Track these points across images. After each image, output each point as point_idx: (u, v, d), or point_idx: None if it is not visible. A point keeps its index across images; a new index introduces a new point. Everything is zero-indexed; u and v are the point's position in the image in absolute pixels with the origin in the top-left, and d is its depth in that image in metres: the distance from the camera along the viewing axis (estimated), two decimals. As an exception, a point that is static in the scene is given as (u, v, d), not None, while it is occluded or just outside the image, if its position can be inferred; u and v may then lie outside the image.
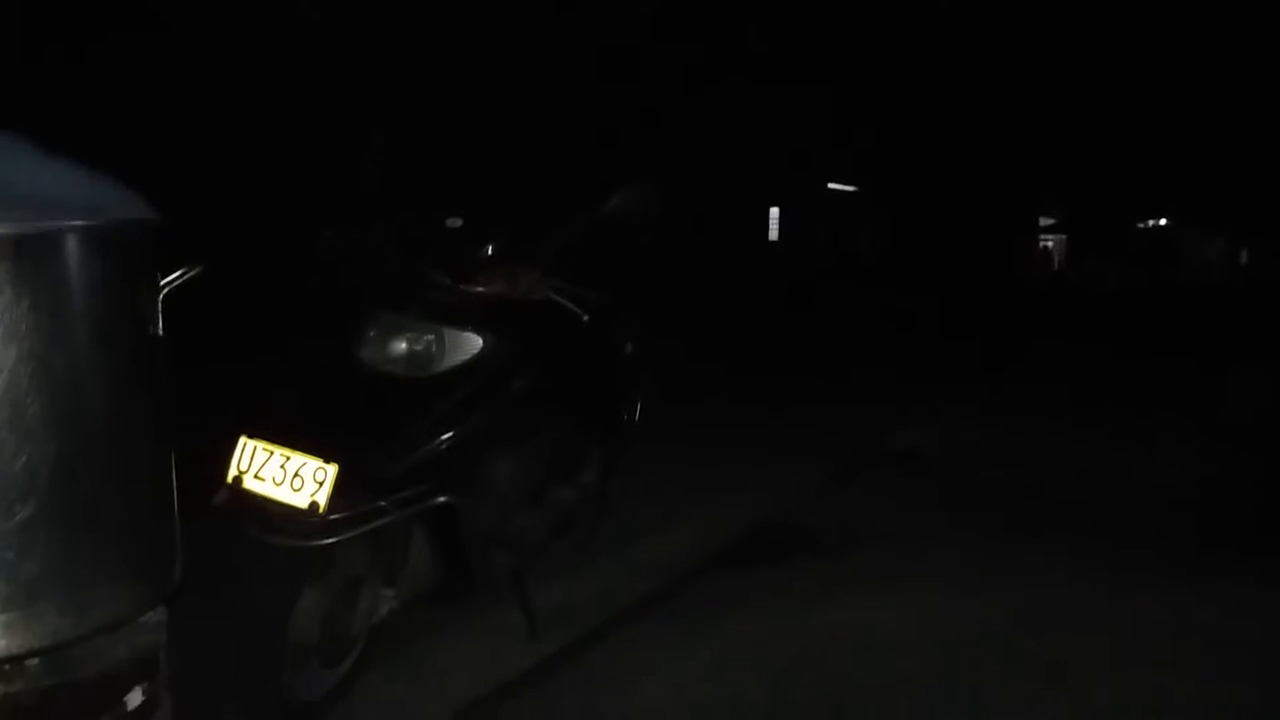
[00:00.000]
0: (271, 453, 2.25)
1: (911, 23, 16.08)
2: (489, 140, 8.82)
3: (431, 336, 2.56)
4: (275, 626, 2.20)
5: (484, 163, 8.32)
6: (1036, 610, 3.11)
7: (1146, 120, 20.19)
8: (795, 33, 14.15)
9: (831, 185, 20.83)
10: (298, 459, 2.21)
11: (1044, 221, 29.43)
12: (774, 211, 19.50)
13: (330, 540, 2.19)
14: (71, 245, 1.26)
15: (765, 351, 8.36)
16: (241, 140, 7.12)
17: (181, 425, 1.51)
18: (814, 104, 15.33)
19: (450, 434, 2.47)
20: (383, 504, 2.29)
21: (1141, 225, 29.94)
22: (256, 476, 2.24)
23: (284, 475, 2.21)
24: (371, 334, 2.58)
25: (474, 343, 2.60)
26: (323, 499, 2.16)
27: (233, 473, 2.27)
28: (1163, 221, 29.80)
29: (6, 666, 1.24)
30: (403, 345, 2.55)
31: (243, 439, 2.29)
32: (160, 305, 1.45)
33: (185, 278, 1.50)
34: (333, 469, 2.18)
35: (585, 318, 2.87)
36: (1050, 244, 31.08)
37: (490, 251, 2.83)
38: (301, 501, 2.18)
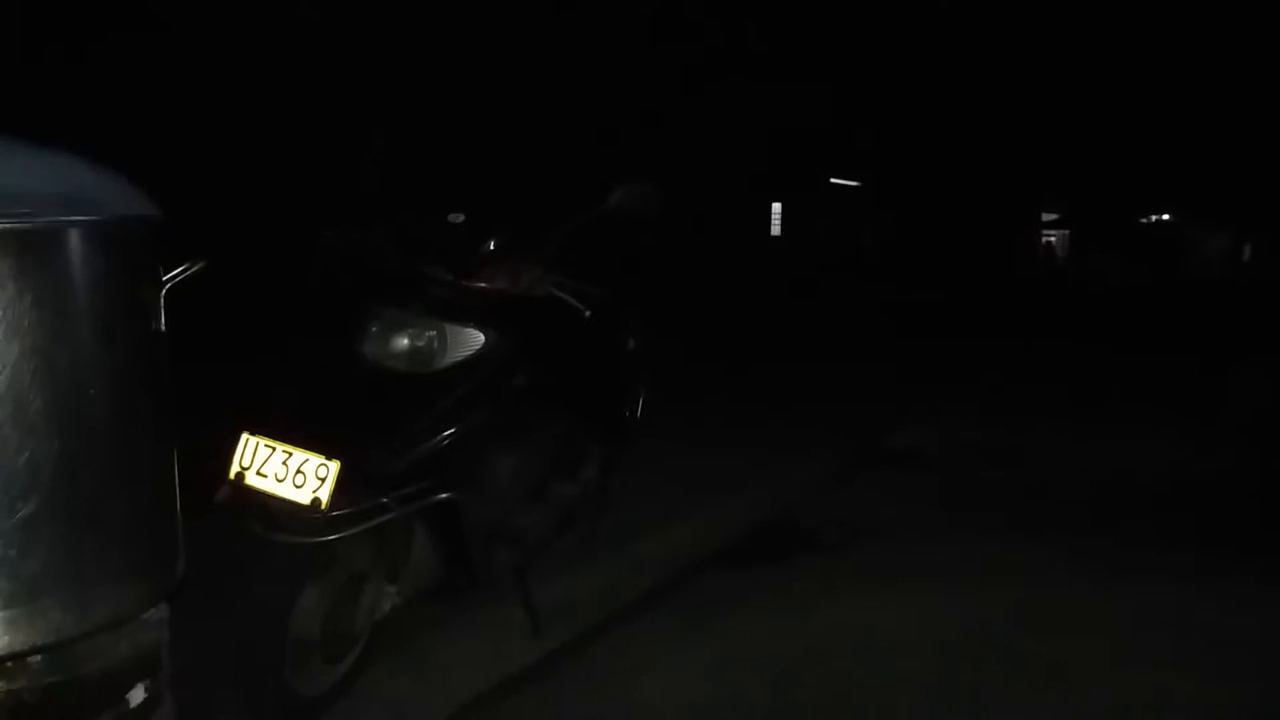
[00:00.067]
0: (274, 449, 2.25)
1: (913, 19, 16.05)
2: (490, 137, 8.81)
3: (433, 332, 2.56)
4: (277, 623, 2.20)
5: (486, 159, 8.31)
6: (1037, 609, 3.11)
7: (1149, 114, 20.15)
8: (797, 29, 14.12)
9: (834, 180, 20.81)
10: (300, 455, 2.21)
11: (1046, 216, 29.40)
12: (776, 207, 19.49)
13: (332, 537, 2.19)
14: (74, 241, 1.26)
15: (766, 348, 8.35)
16: (243, 138, 7.12)
17: (183, 422, 1.51)
18: (816, 100, 15.31)
19: (452, 430, 2.47)
20: (385, 500, 2.29)
21: (1144, 220, 29.89)
22: (259, 473, 2.24)
23: (286, 472, 2.21)
24: (373, 330, 2.57)
25: (476, 339, 2.59)
26: (325, 495, 2.16)
27: (235, 469, 2.27)
28: (1166, 217, 29.75)
29: (9, 664, 1.24)
30: (404, 341, 2.55)
31: (245, 435, 2.29)
32: (162, 301, 1.45)
33: (187, 273, 1.50)
34: (335, 465, 2.18)
35: (587, 314, 2.86)
36: (1053, 239, 31.05)
37: (492, 247, 2.82)
38: (304, 498, 2.18)
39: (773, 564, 3.51)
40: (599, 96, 10.52)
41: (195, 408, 1.80)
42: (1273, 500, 4.40)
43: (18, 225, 1.19)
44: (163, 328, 1.44)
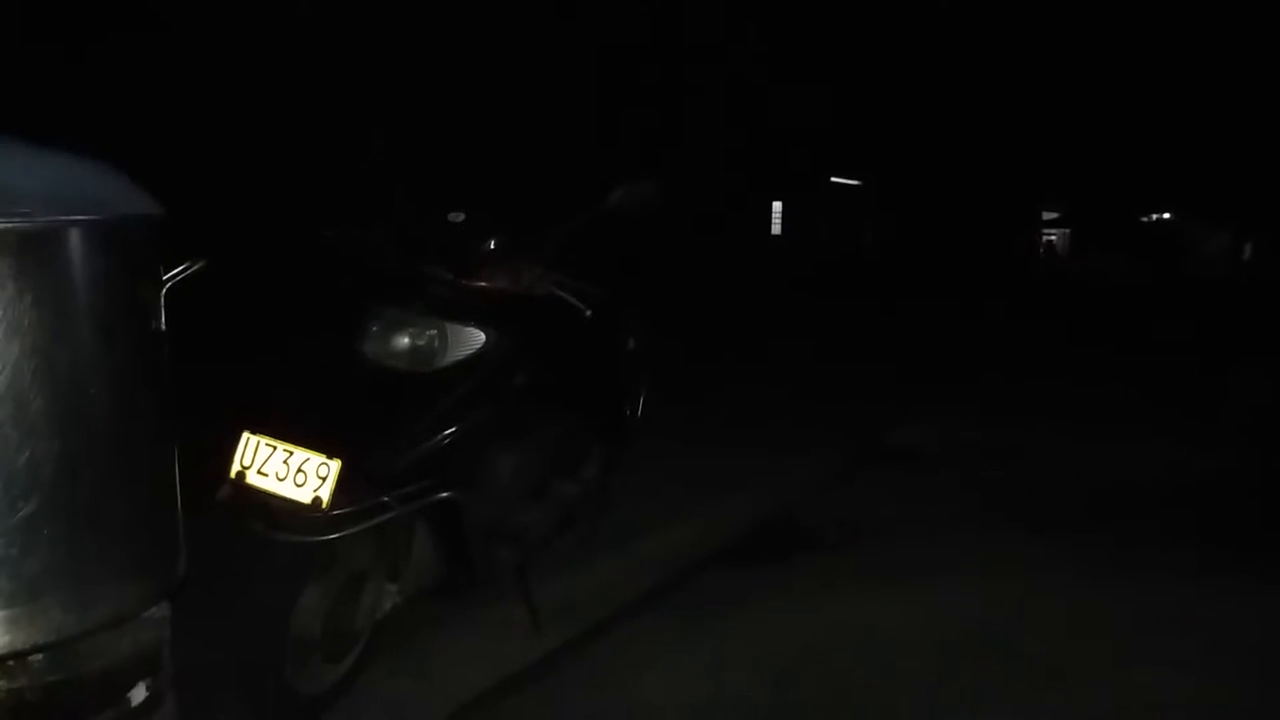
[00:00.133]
0: (274, 448, 2.25)
1: (915, 17, 16.03)
2: (491, 136, 8.81)
3: (434, 331, 2.56)
4: (278, 622, 2.20)
5: (486, 158, 8.31)
6: (1038, 608, 3.11)
7: (1150, 113, 20.14)
8: (799, 27, 14.11)
9: (835, 179, 20.80)
10: (301, 454, 2.21)
11: (1047, 215, 29.38)
12: (777, 205, 19.48)
13: (333, 535, 2.19)
14: (75, 240, 1.26)
15: (766, 346, 8.35)
16: (243, 137, 7.12)
17: (184, 421, 1.51)
18: (817, 99, 15.30)
19: (453, 429, 2.47)
20: (386, 499, 2.29)
21: (1145, 219, 29.86)
22: (260, 472, 2.24)
23: (287, 471, 2.21)
24: (374, 329, 2.57)
25: (476, 338, 2.59)
26: (326, 494, 2.16)
27: (235, 468, 2.27)
28: (1166, 215, 29.72)
29: (11, 662, 1.25)
30: (405, 340, 2.55)
31: (245, 434, 2.29)
32: (163, 300, 1.45)
33: (188, 273, 1.50)
34: (336, 464, 2.18)
35: (587, 313, 2.86)
36: (1054, 238, 31.03)
37: (492, 246, 2.82)
38: (305, 497, 2.18)
39: (773, 563, 3.51)
40: (601, 91, 10.52)
41: (196, 407, 1.80)
42: (1273, 499, 4.40)
43: (18, 224, 1.19)
44: (163, 327, 1.44)
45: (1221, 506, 4.29)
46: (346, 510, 2.20)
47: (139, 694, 1.37)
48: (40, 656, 1.27)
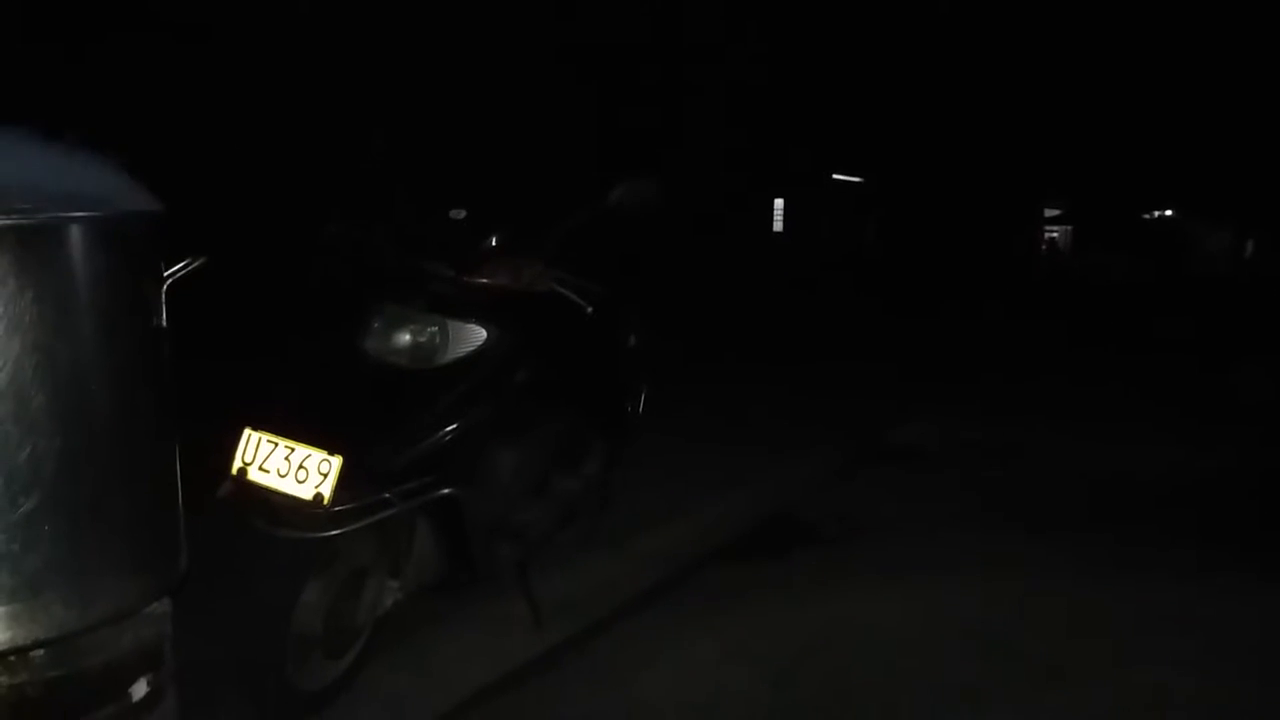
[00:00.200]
0: (276, 445, 2.25)
1: (916, 14, 16.01)
2: (492, 133, 8.80)
3: (435, 328, 2.56)
4: (280, 618, 2.21)
5: (487, 155, 8.31)
6: (1038, 606, 3.11)
7: (1152, 110, 20.10)
8: (799, 25, 14.09)
9: (836, 176, 20.78)
10: (302, 451, 2.22)
11: (1048, 212, 29.32)
12: (779, 203, 19.47)
13: (335, 532, 2.20)
14: (75, 237, 1.26)
15: (767, 344, 8.35)
16: (244, 134, 7.12)
17: (185, 417, 1.52)
18: (819, 95, 15.29)
19: (454, 426, 2.47)
20: (387, 496, 2.29)
21: (1147, 216, 29.81)
22: (261, 468, 2.25)
23: (288, 467, 2.22)
24: (375, 326, 2.58)
25: (477, 335, 2.60)
26: (327, 491, 2.17)
27: (237, 465, 2.27)
28: (1168, 213, 29.68)
29: (12, 658, 1.25)
30: (406, 337, 2.55)
31: (247, 431, 2.29)
32: (163, 297, 1.45)
33: (188, 269, 1.50)
34: (337, 461, 2.18)
35: (588, 310, 2.87)
36: (1056, 235, 30.98)
37: (494, 243, 2.82)
38: (306, 493, 2.18)
39: (774, 560, 3.51)
40: (602, 88, 10.51)
41: (197, 403, 1.81)
42: (1274, 498, 4.39)
43: (19, 221, 1.20)
44: (164, 323, 1.44)
45: (1222, 505, 4.29)
46: (348, 507, 2.20)
47: (140, 689, 1.37)
48: (41, 652, 1.27)
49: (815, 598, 3.16)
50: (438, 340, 2.56)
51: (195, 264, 1.51)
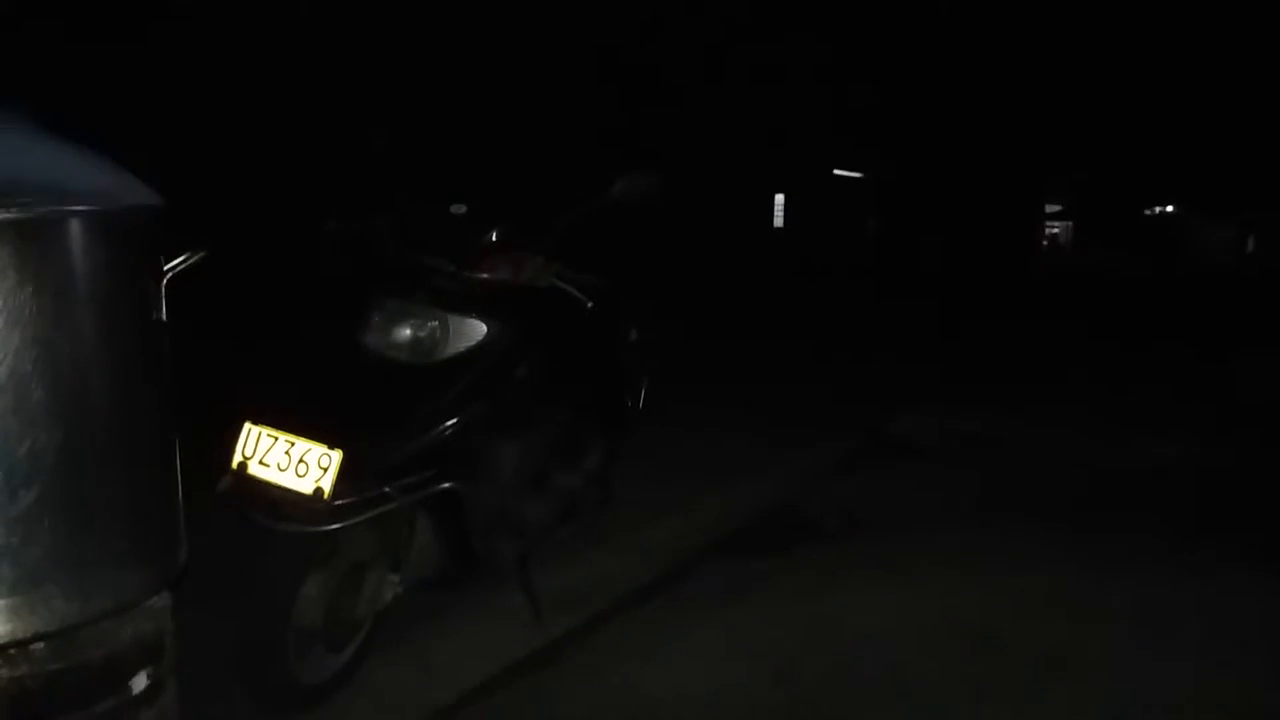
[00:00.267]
0: (276, 439, 2.25)
1: (918, 9, 15.98)
2: (492, 128, 8.79)
3: (435, 323, 2.56)
4: (280, 611, 2.21)
5: (488, 150, 8.30)
6: (1038, 599, 3.11)
7: (1153, 106, 20.06)
8: (801, 20, 14.06)
9: (837, 171, 20.74)
10: (302, 445, 2.22)
11: (1050, 208, 29.30)
12: (779, 198, 19.44)
13: (335, 526, 2.20)
14: (75, 230, 1.26)
15: (767, 339, 8.35)
16: (245, 128, 7.11)
17: (185, 411, 1.52)
18: (820, 91, 15.26)
19: (454, 420, 2.47)
20: (387, 490, 2.29)
21: (1148, 212, 29.79)
22: (261, 463, 2.25)
23: (289, 461, 2.22)
24: (376, 320, 2.58)
25: (478, 329, 2.60)
26: (328, 485, 2.17)
27: (237, 459, 2.27)
28: (1169, 208, 29.65)
29: (13, 651, 1.25)
30: (407, 332, 2.56)
31: (247, 425, 2.30)
32: (164, 291, 1.45)
33: (188, 263, 1.50)
34: (337, 455, 2.18)
35: (589, 304, 2.87)
36: (1057, 231, 30.96)
37: (494, 238, 2.82)
38: (306, 487, 2.18)
39: (774, 553, 3.51)
40: (604, 84, 10.50)
41: (197, 397, 1.81)
42: (1275, 492, 4.39)
43: (19, 215, 1.19)
44: (164, 317, 1.44)
45: (1225, 499, 4.28)
46: (348, 501, 2.20)
47: (140, 682, 1.38)
48: (42, 645, 1.27)
49: (816, 591, 3.16)
50: (438, 335, 2.56)
51: (195, 258, 1.51)
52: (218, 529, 2.03)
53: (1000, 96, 17.89)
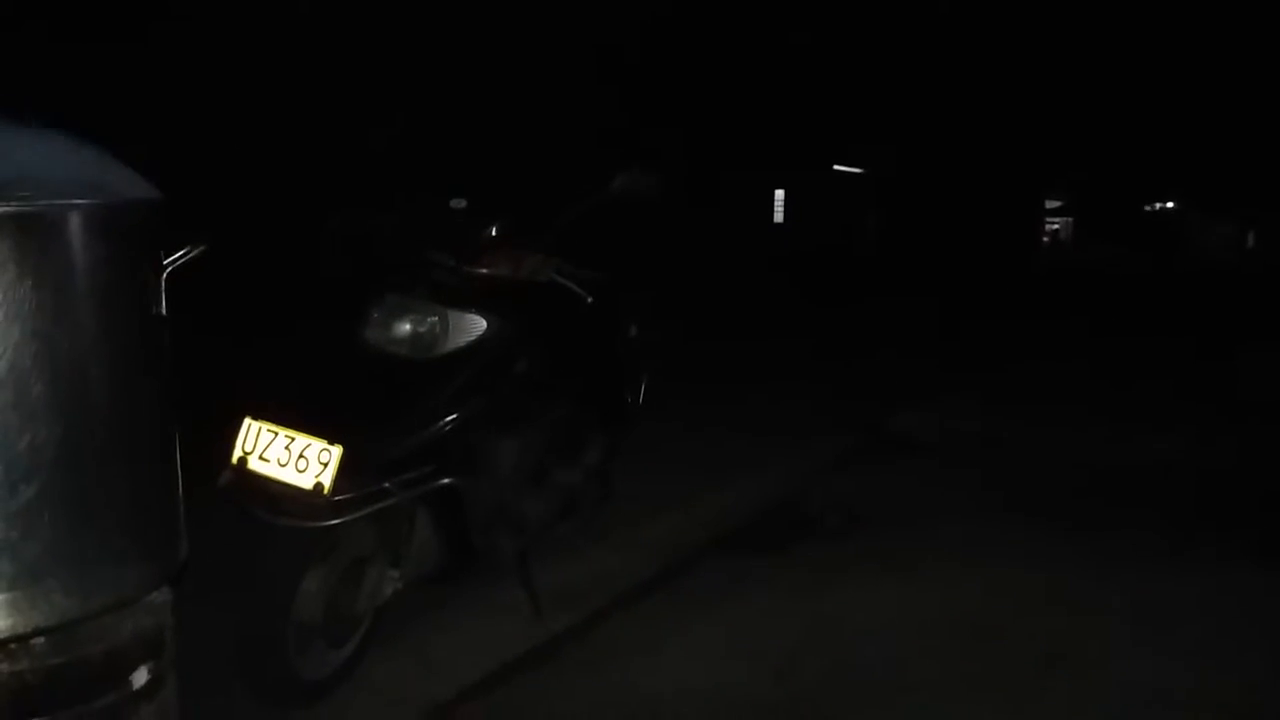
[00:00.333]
0: (276, 434, 2.25)
1: (918, 6, 15.95)
2: (493, 123, 8.78)
3: (435, 318, 2.56)
4: (280, 606, 2.21)
5: (488, 145, 8.29)
6: (1037, 595, 3.12)
7: (1154, 102, 20.04)
8: (802, 16, 14.04)
9: (837, 167, 20.72)
10: (302, 440, 2.22)
11: (1050, 204, 29.27)
12: (779, 193, 19.43)
13: (335, 521, 2.20)
14: (75, 225, 1.25)
15: (767, 334, 8.34)
16: (248, 123, 7.10)
17: (186, 406, 1.51)
18: (820, 85, 15.24)
19: (454, 415, 2.47)
20: (387, 485, 2.29)
21: (1148, 208, 29.78)
22: (261, 458, 2.25)
23: (289, 456, 2.22)
24: (376, 315, 2.58)
25: (478, 324, 2.60)
26: (327, 480, 2.17)
27: (237, 454, 2.27)
28: (1169, 204, 29.64)
29: (12, 645, 1.25)
30: (407, 327, 2.55)
31: (247, 420, 2.29)
32: (163, 285, 1.45)
33: (188, 257, 1.49)
34: (337, 450, 2.18)
35: (589, 299, 2.86)
36: (1058, 226, 30.94)
37: (494, 233, 2.82)
38: (306, 482, 2.18)
39: (774, 549, 3.52)
40: (604, 80, 10.48)
41: (198, 392, 1.81)
42: (1275, 488, 4.39)
43: (18, 209, 1.19)
44: (164, 311, 1.44)
45: (1226, 494, 4.29)
46: (348, 496, 2.20)
47: (141, 677, 1.37)
48: (42, 639, 1.27)
49: (815, 587, 3.16)
50: (438, 330, 2.56)
51: (195, 252, 1.51)
52: (218, 524, 2.03)
53: (1001, 92, 17.87)
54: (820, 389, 6.21)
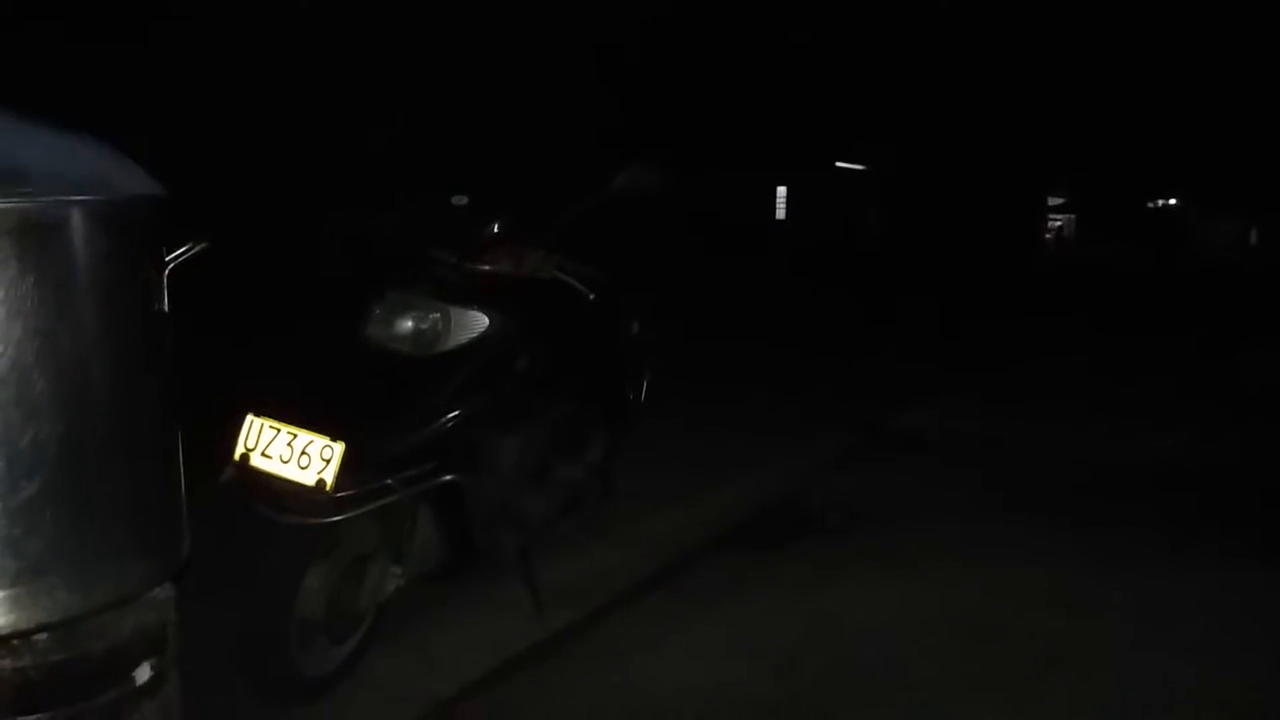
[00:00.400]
0: (279, 431, 2.25)
1: (919, 2, 15.93)
2: (495, 119, 8.77)
3: (437, 315, 2.56)
4: (283, 603, 2.22)
5: (490, 142, 8.28)
6: (1038, 594, 3.11)
7: (1156, 99, 20.00)
8: (803, 14, 14.02)
9: (840, 164, 20.70)
10: (305, 437, 2.22)
11: (1053, 201, 29.23)
12: (781, 190, 19.42)
13: (337, 518, 2.20)
14: (77, 221, 1.25)
15: (768, 332, 8.34)
16: (250, 120, 7.10)
17: (188, 402, 1.51)
18: (823, 82, 15.22)
19: (456, 412, 2.47)
20: (389, 482, 2.29)
21: (1151, 205, 29.74)
22: (264, 454, 2.25)
23: (291, 453, 2.22)
24: (378, 312, 2.58)
25: (480, 321, 2.60)
26: (330, 477, 2.17)
27: (240, 450, 2.27)
28: (1172, 201, 29.59)
29: (15, 641, 1.25)
30: (409, 324, 2.55)
31: (250, 417, 2.30)
32: (165, 281, 1.45)
33: (190, 253, 1.49)
34: (340, 447, 2.18)
35: (590, 296, 2.86)
36: (1061, 223, 30.90)
37: (496, 230, 2.81)
38: (309, 479, 2.18)
39: (775, 547, 3.52)
40: (605, 76, 10.47)
41: (200, 388, 1.81)
42: (1277, 485, 4.39)
43: (20, 204, 1.19)
44: (166, 308, 1.44)
45: (1228, 492, 4.28)
46: (350, 493, 2.20)
47: (143, 673, 1.38)
48: (44, 636, 1.27)
49: (816, 585, 3.16)
50: (440, 327, 2.56)
51: (197, 248, 1.51)
52: (220, 521, 2.04)
53: (1003, 89, 17.84)
54: (821, 386, 6.20)
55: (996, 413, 5.68)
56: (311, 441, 2.21)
